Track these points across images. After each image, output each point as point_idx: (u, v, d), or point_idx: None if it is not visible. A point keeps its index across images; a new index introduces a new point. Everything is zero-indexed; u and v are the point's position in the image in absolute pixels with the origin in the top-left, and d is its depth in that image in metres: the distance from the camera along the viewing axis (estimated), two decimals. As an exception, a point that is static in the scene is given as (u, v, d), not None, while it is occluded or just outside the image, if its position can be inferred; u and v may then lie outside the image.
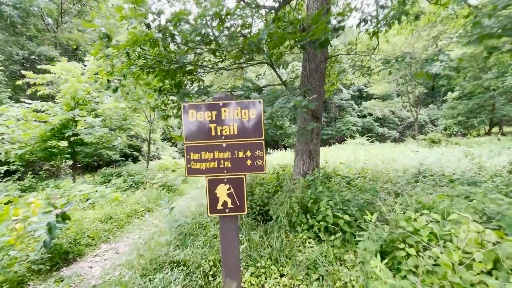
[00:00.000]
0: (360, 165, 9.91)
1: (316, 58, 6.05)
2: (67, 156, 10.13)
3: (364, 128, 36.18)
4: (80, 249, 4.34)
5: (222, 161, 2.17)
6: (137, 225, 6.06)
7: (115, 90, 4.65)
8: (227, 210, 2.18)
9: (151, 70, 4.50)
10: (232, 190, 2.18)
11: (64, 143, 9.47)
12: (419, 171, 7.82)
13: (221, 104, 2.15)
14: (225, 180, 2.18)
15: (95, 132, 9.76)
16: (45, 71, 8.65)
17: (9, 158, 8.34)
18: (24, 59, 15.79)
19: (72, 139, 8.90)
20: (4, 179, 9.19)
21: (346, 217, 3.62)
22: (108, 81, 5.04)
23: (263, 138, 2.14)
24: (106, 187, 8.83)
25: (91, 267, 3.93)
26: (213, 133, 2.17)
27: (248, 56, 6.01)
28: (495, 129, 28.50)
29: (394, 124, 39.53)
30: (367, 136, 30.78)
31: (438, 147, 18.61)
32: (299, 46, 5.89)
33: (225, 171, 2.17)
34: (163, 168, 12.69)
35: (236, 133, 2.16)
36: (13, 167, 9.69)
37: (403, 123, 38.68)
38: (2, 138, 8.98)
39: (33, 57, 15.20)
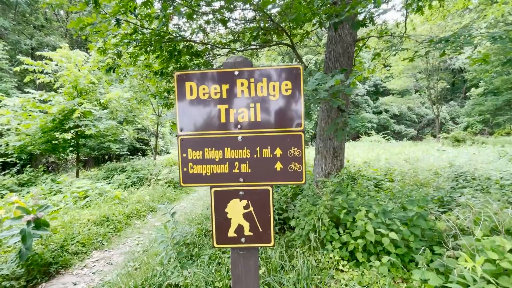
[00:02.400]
0: (382, 165, 9.01)
1: (343, 41, 5.15)
2: (70, 149, 9.65)
3: (379, 125, 34.60)
4: (66, 260, 3.68)
5: (236, 164, 1.38)
6: (137, 228, 5.41)
7: (109, 71, 3.93)
8: (243, 240, 1.39)
9: (151, 48, 3.75)
10: (251, 208, 1.39)
11: (68, 135, 8.98)
12: (458, 173, 6.84)
13: (236, 73, 1.34)
14: (241, 193, 1.39)
15: (100, 124, 9.21)
16: (44, 58, 8.08)
17: (8, 150, 7.88)
18: (32, 49, 15.45)
19: (73, 131, 8.37)
20: (3, 173, 8.77)
21: (393, 235, 2.79)
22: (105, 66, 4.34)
23: (302, 127, 1.33)
24: (109, 183, 8.28)
25: (75, 284, 3.26)
26: (223, 119, 1.37)
27: (265, 36, 5.18)
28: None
29: (411, 122, 37.66)
30: (383, 134, 29.34)
31: (463, 146, 17.31)
32: (328, 24, 5.01)
33: (241, 179, 1.38)
34: (170, 163, 12.09)
35: (259, 119, 1.35)
36: (11, 160, 9.25)
37: (421, 121, 36.83)
38: (7, 129, 8.55)
39: (40, 47, 14.83)
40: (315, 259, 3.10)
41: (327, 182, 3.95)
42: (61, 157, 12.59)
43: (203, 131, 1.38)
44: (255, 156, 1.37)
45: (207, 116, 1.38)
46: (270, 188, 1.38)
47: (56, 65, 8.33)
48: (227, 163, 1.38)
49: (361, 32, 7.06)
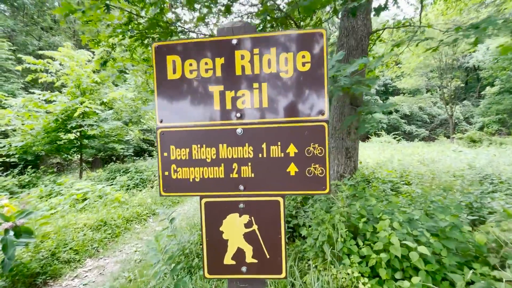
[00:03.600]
0: (395, 166, 8.54)
1: (357, 33, 4.76)
2: (74, 149, 9.49)
3: (389, 126, 33.63)
4: (56, 269, 3.39)
5: (235, 166, 1.01)
6: (137, 232, 5.10)
7: (103, 64, 3.64)
8: (244, 269, 1.02)
9: (148, 40, 3.44)
10: (255, 227, 1.02)
11: (72, 136, 8.83)
12: (482, 176, 6.33)
13: (234, 41, 0.98)
14: (241, 205, 1.02)
15: (105, 125, 9.04)
16: (46, 57, 7.93)
17: (10, 151, 7.75)
18: (40, 49, 15.53)
19: (75, 131, 8.19)
20: (5, 173, 8.66)
21: (423, 249, 2.38)
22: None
23: (326, 116, 0.95)
24: (111, 185, 8.05)
25: (62, 298, 2.96)
26: (216, 106, 1.01)
27: (272, 28, 4.82)
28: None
29: (422, 122, 36.52)
30: (393, 134, 28.49)
31: (481, 147, 16.57)
32: (341, 13, 4.61)
33: (242, 187, 1.01)
34: (175, 164, 11.81)
35: (266, 105, 0.99)
36: (13, 161, 9.13)
37: (433, 121, 35.70)
38: (13, 130, 8.45)
39: (48, 48, 14.87)
40: (330, 274, 2.70)
41: (342, 185, 3.55)
42: (66, 158, 12.53)
43: (191, 122, 1.02)
44: (260, 155, 1.00)
45: (196, 102, 1.02)
46: (280, 199, 1.01)
47: (60, 64, 8.18)
48: (223, 165, 1.02)
49: (375, 24, 6.64)
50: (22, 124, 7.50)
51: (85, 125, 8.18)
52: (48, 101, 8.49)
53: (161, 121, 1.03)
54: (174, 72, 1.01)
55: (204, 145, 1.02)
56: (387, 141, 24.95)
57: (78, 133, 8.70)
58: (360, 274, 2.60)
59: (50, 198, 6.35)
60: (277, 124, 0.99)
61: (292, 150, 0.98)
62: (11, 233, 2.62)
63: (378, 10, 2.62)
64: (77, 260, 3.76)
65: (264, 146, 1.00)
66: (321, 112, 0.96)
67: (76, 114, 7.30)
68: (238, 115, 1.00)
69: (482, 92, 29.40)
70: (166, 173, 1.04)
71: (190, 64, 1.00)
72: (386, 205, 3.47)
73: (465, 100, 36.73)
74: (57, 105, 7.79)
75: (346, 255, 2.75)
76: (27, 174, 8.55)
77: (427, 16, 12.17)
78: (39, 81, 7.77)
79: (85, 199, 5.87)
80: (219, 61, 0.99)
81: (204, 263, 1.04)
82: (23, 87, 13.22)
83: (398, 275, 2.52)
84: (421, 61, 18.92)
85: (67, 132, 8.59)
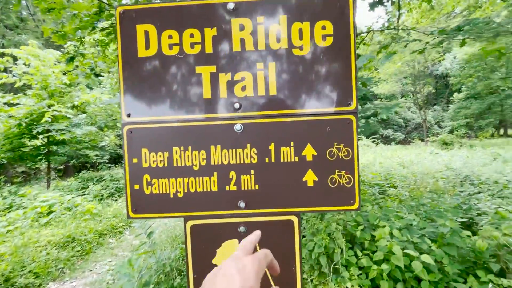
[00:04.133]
0: (378, 169, 8.68)
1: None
2: (40, 157, 8.67)
3: (368, 130, 34.70)
4: (8, 298, 2.88)
5: (232, 175, 0.74)
6: (111, 248, 4.61)
7: (70, 60, 3.22)
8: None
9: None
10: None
11: (38, 142, 8.06)
12: (462, 178, 6.52)
13: (231, 5, 0.72)
14: (242, 228, 0.75)
15: (77, 130, 8.35)
16: (6, 56, 7.19)
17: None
18: (3, 47, 14.32)
19: (42, 136, 7.46)
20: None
21: (426, 258, 2.22)
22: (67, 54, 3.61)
23: (355, 106, 0.72)
24: (83, 195, 7.39)
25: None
26: (206, 93, 0.74)
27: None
28: (500, 132, 27.42)
29: (398, 126, 38.08)
30: (372, 138, 29.36)
31: (454, 149, 17.48)
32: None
33: (243, 204, 0.74)
34: (154, 171, 11.21)
35: (273, 92, 0.73)
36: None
37: (408, 125, 37.36)
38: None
39: (12, 46, 13.74)
40: (327, 288, 2.47)
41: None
42: (32, 167, 11.51)
43: (170, 116, 0.74)
44: (266, 160, 0.74)
45: (178, 88, 0.74)
46: (295, 218, 0.75)
47: (25, 64, 7.45)
48: (216, 174, 0.74)
49: (360, 26, 6.69)
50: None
51: (53, 130, 7.47)
52: (10, 104, 7.70)
53: (128, 115, 0.74)
54: (147, 47, 0.73)
55: (189, 147, 0.74)
56: (367, 145, 25.65)
57: (45, 139, 7.95)
58: (360, 287, 2.40)
59: (9, 212, 5.64)
60: (289, 118, 0.73)
61: (309, 152, 0.73)
62: None
63: (373, 4, 2.49)
64: (37, 285, 3.24)
65: (272, 147, 0.74)
66: (348, 102, 0.72)
67: (43, 120, 6.62)
68: (237, 105, 0.73)
69: (451, 98, 31.34)
70: (136, 186, 0.75)
71: (170, 37, 0.73)
72: (379, 209, 3.34)
73: (436, 105, 38.92)
74: (21, 108, 7.06)
75: (344, 267, 2.54)
76: (-17, 186, 7.64)
77: (403, 24, 12.66)
78: (-1, 81, 7.00)
79: (51, 212, 5.25)
80: (210, 32, 0.73)
81: (190, 309, 0.75)
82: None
83: (399, 287, 2.35)
84: (399, 66, 19.75)
85: (32, 138, 7.83)
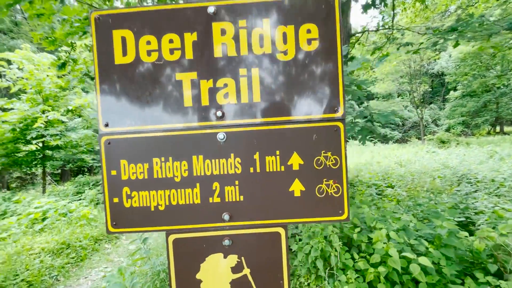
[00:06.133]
0: (376, 168, 8.69)
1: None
2: (36, 162, 8.59)
3: (365, 129, 34.75)
4: (1, 308, 2.82)
5: (216, 186, 0.71)
6: (107, 253, 4.55)
7: (61, 67, 3.17)
8: (232, 332, 0.72)
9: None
10: (247, 271, 0.72)
11: (33, 146, 7.98)
12: (459, 176, 6.53)
13: (211, 9, 0.69)
14: (227, 242, 0.72)
15: (73, 134, 8.29)
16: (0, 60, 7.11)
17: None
18: (-3, 54, 14.20)
19: (36, 141, 7.38)
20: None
21: (423, 260, 2.20)
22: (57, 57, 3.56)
23: (342, 113, 0.69)
24: (79, 199, 7.32)
25: None
26: (187, 101, 0.70)
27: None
28: (496, 129, 27.57)
29: (395, 125, 38.19)
30: (369, 137, 29.45)
31: (450, 147, 17.55)
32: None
33: (227, 217, 0.71)
34: (151, 174, 11.14)
35: (257, 99, 0.70)
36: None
37: (405, 123, 37.49)
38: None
39: (6, 50, 13.62)
40: (324, 293, 2.44)
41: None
42: (27, 172, 11.40)
43: (150, 126, 0.71)
44: (251, 170, 0.71)
45: (157, 96, 0.71)
46: (282, 230, 0.72)
47: (19, 68, 7.38)
48: (198, 185, 0.71)
49: (355, 26, 6.70)
50: None
51: (47, 135, 7.40)
52: (3, 109, 7.62)
53: (106, 125, 0.71)
54: (125, 53, 0.70)
55: (170, 158, 0.71)
56: (365, 144, 25.71)
57: (40, 144, 7.87)
58: (357, 291, 2.37)
59: (3, 219, 5.55)
60: (274, 126, 0.70)
61: (296, 161, 0.70)
62: None
63: (366, 7, 2.47)
64: (30, 293, 3.18)
65: (256, 156, 0.71)
66: (335, 109, 0.69)
67: (36, 125, 6.55)
68: (219, 114, 0.70)
69: (447, 96, 31.52)
70: (116, 200, 0.71)
71: (148, 42, 0.70)
72: (376, 210, 3.32)
73: (432, 104, 39.12)
74: (14, 113, 6.98)
75: (341, 270, 2.51)
76: (-23, 192, 7.53)
77: (398, 23, 12.72)
78: (-7, 87, 6.93)
79: (45, 219, 5.18)
80: (190, 37, 0.69)
81: (174, 327, 0.72)
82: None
83: (397, 290, 2.33)
84: (394, 65, 19.83)
85: (27, 143, 7.75)
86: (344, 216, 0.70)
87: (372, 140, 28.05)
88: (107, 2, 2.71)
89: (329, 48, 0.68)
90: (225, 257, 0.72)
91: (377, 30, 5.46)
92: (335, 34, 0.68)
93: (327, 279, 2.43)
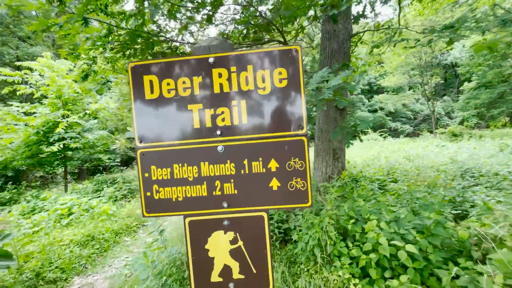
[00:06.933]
0: (382, 164, 8.74)
1: (339, 36, 4.87)
2: (57, 162, 9.19)
3: (375, 123, 34.38)
4: (41, 290, 3.26)
5: (217, 183, 1.01)
6: (126, 245, 4.98)
7: (84, 78, 3.56)
8: (231, 286, 1.02)
9: (130, 51, 3.39)
10: (240, 243, 1.02)
11: (55, 148, 8.56)
12: (463, 170, 6.55)
13: (211, 60, 0.99)
14: (226, 222, 1.03)
15: (89, 135, 8.82)
16: (25, 68, 7.66)
17: (-11, 167, 7.42)
18: (18, 59, 15.00)
19: (58, 143, 7.93)
20: (-17, 191, 8.28)
21: (410, 247, 2.44)
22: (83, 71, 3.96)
23: (305, 131, 0.97)
24: (98, 197, 7.84)
25: (49, 320, 2.85)
26: (196, 124, 1.01)
27: (255, 34, 4.86)
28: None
29: (406, 118, 37.55)
30: (379, 132, 29.12)
31: (462, 141, 17.17)
32: (323, 17, 4.70)
33: (225, 204, 1.01)
34: (164, 172, 11.63)
35: (245, 121, 1.00)
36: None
37: (416, 117, 36.78)
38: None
39: (26, 58, 14.37)
40: (322, 277, 2.73)
41: (330, 188, 3.60)
42: (50, 171, 12.12)
43: (171, 142, 1.02)
44: (242, 171, 1.01)
45: (175, 121, 1.01)
46: (264, 214, 1.02)
47: (40, 75, 7.93)
48: (205, 183, 1.02)
49: (355, 27, 6.82)
50: (0, 139, 7.21)
51: (68, 137, 7.93)
52: (27, 113, 8.20)
53: (140, 142, 1.02)
54: (152, 92, 1.01)
55: (185, 164, 1.02)
56: (374, 139, 25.45)
57: (61, 145, 8.44)
58: (351, 275, 2.64)
59: (33, 214, 6.11)
60: (258, 140, 1.00)
61: (273, 165, 1.00)
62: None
63: (357, 18, 2.70)
64: (64, 279, 3.63)
65: (245, 162, 1.00)
66: (300, 127, 0.97)
67: (58, 129, 7.07)
68: (219, 132, 1.00)
69: (461, 88, 30.55)
70: (148, 193, 1.03)
71: (168, 84, 1.00)
72: (374, 204, 3.54)
73: (445, 96, 38.04)
74: (38, 117, 7.53)
75: (336, 257, 2.78)
76: (7, 191, 8.19)
77: (405, 16, 12.58)
78: (18, 93, 7.49)
79: (71, 214, 5.68)
80: (197, 79, 0.99)
81: (191, 282, 1.03)
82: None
83: (387, 274, 2.58)
84: (403, 60, 19.48)
85: (49, 145, 8.33)
86: (309, 204, 0.99)
87: (382, 135, 27.73)
88: (123, 22, 3.04)
89: (294, 84, 0.97)
90: (225, 233, 1.03)
91: (377, 29, 5.59)
92: (298, 74, 0.96)
93: (323, 262, 2.71)
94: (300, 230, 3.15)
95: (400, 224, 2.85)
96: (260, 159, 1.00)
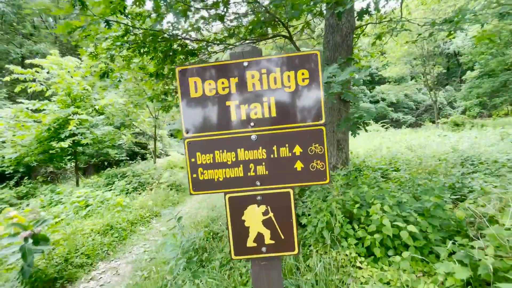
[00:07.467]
0: (385, 154, 8.92)
1: (342, 30, 5.00)
2: (68, 157, 9.46)
3: (377, 114, 34.40)
4: (71, 273, 3.55)
5: (251, 166, 1.23)
6: (143, 234, 5.27)
7: (103, 76, 3.75)
8: (264, 249, 1.26)
9: (144, 49, 3.58)
10: (271, 214, 1.25)
11: (65, 144, 8.82)
12: (464, 158, 6.74)
13: (245, 63, 1.19)
14: (259, 198, 1.25)
15: (97, 131, 9.06)
16: (34, 66, 7.84)
17: (4, 163, 7.69)
18: (23, 57, 15.16)
19: (69, 139, 8.17)
20: (0, 186, 8.59)
21: (411, 228, 2.67)
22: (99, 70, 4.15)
23: (323, 121, 1.18)
24: (110, 190, 8.13)
25: (82, 298, 3.14)
26: (233, 117, 1.22)
27: (262, 30, 5.01)
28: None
29: (408, 109, 37.50)
30: (381, 122, 29.20)
31: (464, 130, 17.24)
32: (328, 14, 4.83)
33: (258, 183, 1.24)
34: (171, 165, 11.93)
35: (274, 114, 1.21)
36: (8, 172, 9.03)
37: (419, 107, 36.72)
38: (3, 142, 8.34)
39: (30, 55, 14.53)
40: (330, 256, 2.98)
41: (335, 176, 3.82)
42: (59, 167, 12.41)
43: (212, 132, 1.24)
44: (272, 156, 1.22)
45: (215, 115, 1.23)
46: (290, 190, 1.24)
47: (48, 72, 8.11)
48: (241, 165, 1.24)
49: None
50: (13, 135, 7.46)
51: (78, 133, 8.18)
52: (37, 110, 8.42)
53: (187, 133, 1.24)
54: (196, 91, 1.22)
55: (225, 150, 1.23)
56: (376, 130, 25.56)
57: (71, 141, 8.70)
58: (357, 254, 2.89)
59: (50, 207, 6.41)
60: (285, 130, 1.21)
61: (297, 150, 1.21)
62: (30, 241, 2.77)
63: (361, 14, 2.85)
64: (89, 264, 3.92)
65: (274, 148, 1.22)
66: (319, 118, 1.19)
67: (70, 127, 7.31)
68: (252, 124, 1.22)
69: (463, 77, 30.31)
70: (194, 175, 1.25)
71: (209, 84, 1.21)
72: (377, 191, 3.76)
73: (448, 85, 37.78)
74: (49, 114, 7.76)
75: (343, 238, 3.03)
76: (24, 185, 8.50)
77: (408, 6, 12.52)
78: (28, 91, 7.70)
79: (88, 206, 5.97)
80: (234, 80, 1.20)
81: (230, 247, 1.27)
82: (7, 97, 12.93)
83: (390, 252, 2.82)
84: (405, 50, 19.36)
85: (60, 141, 8.57)
86: (327, 181, 1.21)
87: (384, 126, 27.77)
88: (139, 21, 3.21)
89: (314, 83, 1.17)
90: (258, 206, 1.25)
91: (380, 22, 5.71)
92: (318, 75, 1.17)
93: (331, 242, 2.96)
94: (309, 215, 3.39)
95: (402, 207, 3.07)
96: (287, 145, 1.21)
